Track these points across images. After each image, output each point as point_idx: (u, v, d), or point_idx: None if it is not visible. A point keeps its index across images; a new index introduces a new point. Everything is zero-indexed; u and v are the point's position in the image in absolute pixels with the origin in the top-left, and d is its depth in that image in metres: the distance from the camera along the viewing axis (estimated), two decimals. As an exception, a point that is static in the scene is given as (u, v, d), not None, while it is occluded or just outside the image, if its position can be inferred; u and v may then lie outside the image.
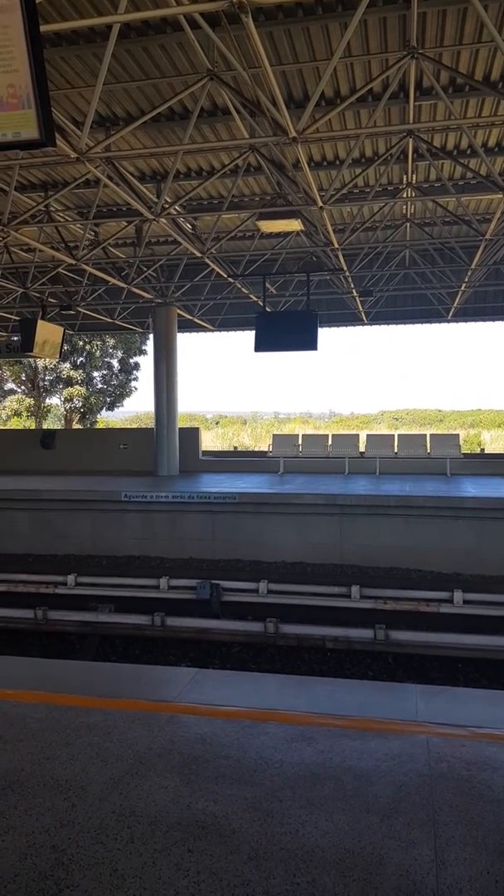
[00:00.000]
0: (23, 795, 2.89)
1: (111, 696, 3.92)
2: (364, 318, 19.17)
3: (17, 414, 33.47)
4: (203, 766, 3.13)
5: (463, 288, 16.72)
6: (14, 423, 33.17)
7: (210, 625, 8.01)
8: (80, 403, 32.60)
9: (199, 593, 8.78)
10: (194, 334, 21.38)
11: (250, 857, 2.48)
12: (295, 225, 11.67)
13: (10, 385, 34.16)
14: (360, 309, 18.30)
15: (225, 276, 15.07)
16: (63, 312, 18.69)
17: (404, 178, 11.90)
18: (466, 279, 16.15)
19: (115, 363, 33.53)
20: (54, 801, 2.85)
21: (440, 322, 19.38)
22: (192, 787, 2.96)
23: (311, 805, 2.82)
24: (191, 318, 19.08)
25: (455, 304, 17.96)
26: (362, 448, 16.87)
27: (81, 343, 31.71)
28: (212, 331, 20.44)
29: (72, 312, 18.59)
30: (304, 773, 3.08)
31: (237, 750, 3.29)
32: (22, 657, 4.77)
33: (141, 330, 21.75)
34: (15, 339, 20.47)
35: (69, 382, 32.25)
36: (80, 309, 18.45)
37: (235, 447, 31.19)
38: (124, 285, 15.61)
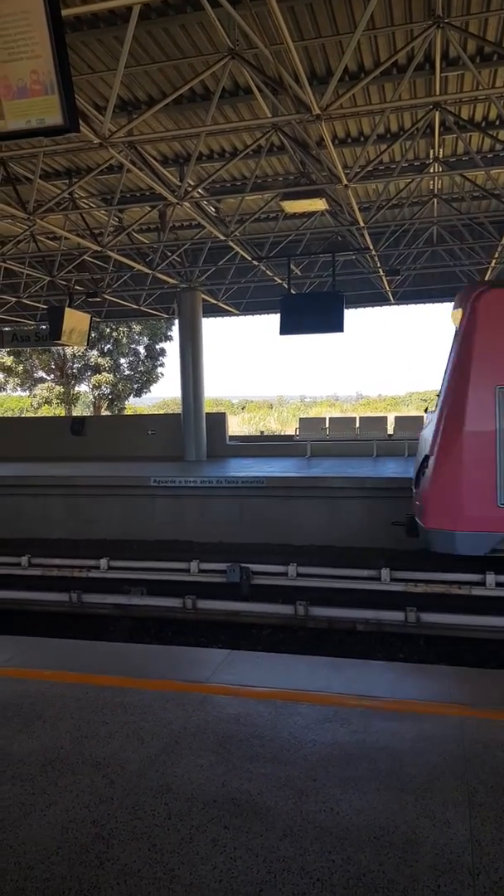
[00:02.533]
0: (62, 772, 2.95)
1: (146, 677, 3.97)
2: (391, 298, 18.95)
3: (48, 402, 33.86)
4: (237, 746, 3.16)
5: (493, 264, 16.41)
6: (45, 411, 33.56)
7: (240, 607, 8.05)
8: (108, 390, 32.84)
9: (229, 576, 8.83)
10: (219, 319, 21.37)
11: (285, 835, 2.51)
12: (319, 204, 11.54)
13: (40, 373, 34.53)
14: (388, 288, 18.08)
15: (249, 258, 14.99)
16: (89, 300, 18.79)
17: (431, 153, 11.68)
18: (496, 255, 15.85)
19: (141, 349, 33.68)
20: (93, 777, 2.90)
21: (470, 300, 19.06)
22: (226, 765, 2.99)
23: (345, 784, 2.83)
24: (215, 302, 19.04)
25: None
26: (390, 430, 16.74)
27: (108, 330, 31.88)
28: (237, 315, 20.38)
29: (98, 300, 18.67)
30: (337, 752, 3.10)
31: (270, 730, 3.32)
32: (58, 639, 4.85)
33: (166, 316, 21.78)
34: (43, 327, 20.67)
35: (97, 370, 32.49)
36: (106, 296, 18.52)
37: (262, 431, 31.19)
38: (149, 271, 15.62)
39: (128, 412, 34.02)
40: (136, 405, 38.25)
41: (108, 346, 32.59)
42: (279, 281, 16.99)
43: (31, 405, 35.25)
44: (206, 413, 17.27)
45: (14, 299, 19.25)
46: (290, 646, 7.76)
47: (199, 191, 11.33)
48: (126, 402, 35.12)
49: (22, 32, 3.75)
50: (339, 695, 3.72)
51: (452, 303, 8.39)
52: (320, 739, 3.21)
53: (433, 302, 19.30)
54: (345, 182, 9.95)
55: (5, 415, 35.34)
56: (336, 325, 13.08)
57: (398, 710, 3.53)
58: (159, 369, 34.04)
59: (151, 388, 34.57)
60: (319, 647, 7.67)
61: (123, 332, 32.33)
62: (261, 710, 3.53)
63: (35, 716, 3.50)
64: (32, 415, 32.74)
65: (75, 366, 33.47)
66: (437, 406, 8.07)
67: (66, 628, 8.08)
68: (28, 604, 8.27)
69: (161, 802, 2.72)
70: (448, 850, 2.41)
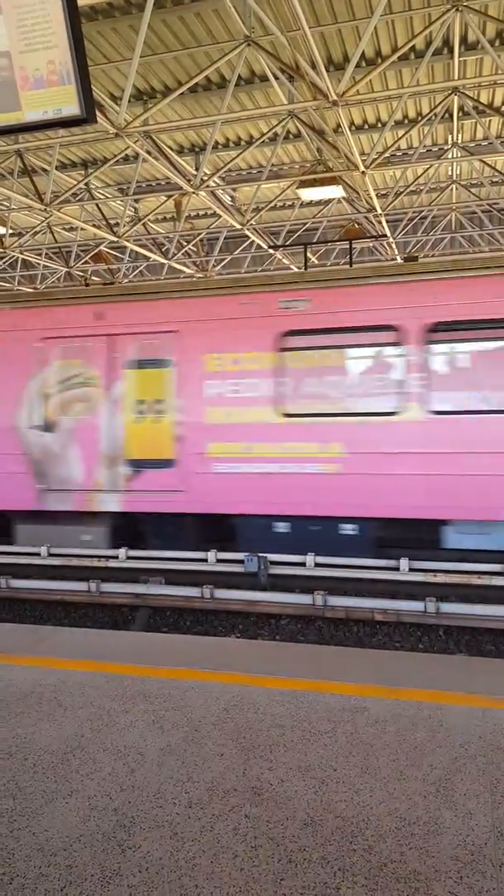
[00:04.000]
0: (84, 760, 2.98)
1: (166, 666, 4.00)
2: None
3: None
4: (257, 735, 3.17)
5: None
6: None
7: (258, 597, 8.06)
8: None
9: (246, 566, 8.85)
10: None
11: (306, 824, 2.51)
12: (336, 192, 11.46)
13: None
14: (405, 277, 17.91)
15: (265, 247, 14.93)
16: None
17: (449, 138, 11.55)
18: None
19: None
20: (114, 766, 2.93)
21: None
22: (246, 754, 3.00)
23: (365, 774, 2.83)
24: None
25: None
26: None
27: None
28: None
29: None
30: (357, 742, 3.09)
31: (290, 719, 3.32)
32: (78, 628, 4.89)
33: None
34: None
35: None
36: (122, 286, 18.52)
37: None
38: (165, 261, 15.61)
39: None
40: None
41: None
42: (295, 269, 16.93)
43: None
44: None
45: (31, 290, 19.34)
46: (307, 636, 7.78)
47: (215, 179, 11.28)
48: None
49: (38, 22, 3.74)
50: (358, 684, 3.71)
51: None
52: (340, 729, 3.21)
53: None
54: (362, 169, 9.86)
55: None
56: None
57: (418, 700, 3.52)
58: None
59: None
60: (337, 638, 7.68)
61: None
62: (281, 700, 3.53)
63: (56, 704, 3.53)
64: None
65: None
66: None
67: (85, 617, 8.15)
68: (47, 593, 8.34)
69: (182, 791, 2.74)
70: (470, 841, 2.40)
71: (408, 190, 13.21)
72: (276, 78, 8.72)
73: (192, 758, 2.98)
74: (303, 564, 8.82)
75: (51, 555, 9.13)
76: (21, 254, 15.82)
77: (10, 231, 14.42)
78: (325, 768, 2.88)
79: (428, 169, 12.71)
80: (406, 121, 10.91)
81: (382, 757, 2.96)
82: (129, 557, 9.07)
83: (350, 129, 9.42)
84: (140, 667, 4.01)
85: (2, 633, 4.76)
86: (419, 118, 10.66)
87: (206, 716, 3.37)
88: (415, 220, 15.32)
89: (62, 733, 3.23)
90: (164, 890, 2.18)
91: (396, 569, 8.47)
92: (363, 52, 8.35)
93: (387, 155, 10.61)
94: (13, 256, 16.65)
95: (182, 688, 3.70)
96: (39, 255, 16.63)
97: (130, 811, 2.61)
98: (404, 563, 8.41)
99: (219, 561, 9.05)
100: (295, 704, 3.48)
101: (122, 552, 9.06)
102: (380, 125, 10.97)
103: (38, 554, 9.10)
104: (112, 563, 8.96)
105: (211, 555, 9.05)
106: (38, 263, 17.03)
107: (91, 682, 3.79)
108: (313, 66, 7.29)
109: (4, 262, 17.47)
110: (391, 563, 8.61)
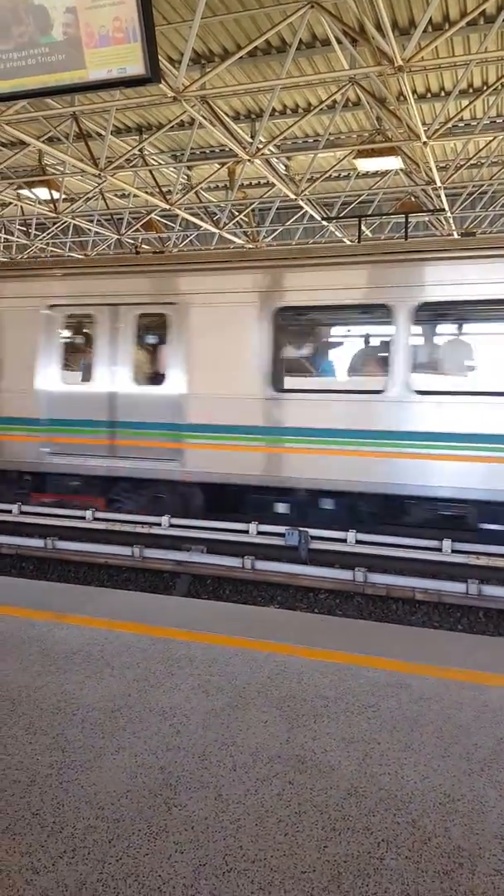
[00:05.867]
0: (130, 719, 3.03)
1: (211, 632, 4.04)
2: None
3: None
4: (301, 704, 3.19)
5: None
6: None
7: (299, 570, 8.08)
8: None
9: (287, 540, 8.86)
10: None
11: (349, 794, 2.52)
12: (394, 163, 11.18)
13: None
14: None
15: (318, 218, 14.69)
16: (155, 259, 18.76)
17: (515, 110, 11.13)
18: None
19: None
20: (160, 726, 2.98)
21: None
22: (290, 723, 3.02)
23: (409, 749, 2.83)
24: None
25: None
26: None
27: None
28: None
29: (164, 259, 18.64)
30: (401, 717, 3.09)
31: (333, 690, 3.33)
32: (123, 591, 4.98)
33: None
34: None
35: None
36: (172, 255, 18.48)
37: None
38: (216, 230, 15.50)
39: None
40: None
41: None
42: (348, 242, 16.65)
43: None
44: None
45: (82, 257, 19.43)
46: (345, 611, 7.78)
47: (271, 148, 11.10)
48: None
49: (105, -21, 3.68)
50: (402, 661, 3.70)
51: None
52: (384, 704, 3.21)
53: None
54: (424, 139, 9.59)
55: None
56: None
57: (462, 679, 3.49)
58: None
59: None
60: (376, 615, 7.67)
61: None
62: (324, 671, 3.54)
63: (104, 663, 3.60)
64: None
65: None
66: None
67: (129, 581, 8.29)
68: (92, 556, 8.51)
69: (227, 754, 2.77)
70: (515, 822, 2.38)
71: (469, 163, 12.80)
72: (339, 42, 8.48)
73: (236, 723, 3.02)
74: (343, 541, 8.80)
75: (96, 519, 9.29)
76: (73, 219, 15.88)
77: (63, 196, 14.45)
78: (369, 741, 2.88)
79: (491, 141, 12.28)
80: (471, 90, 10.54)
81: (426, 734, 2.95)
82: (171, 525, 9.17)
83: (412, 98, 9.13)
84: (184, 631, 4.06)
85: (51, 592, 4.87)
86: (485, 87, 10.28)
87: (251, 683, 3.40)
88: (474, 195, 14.87)
89: (109, 692, 3.29)
90: (210, 849, 2.22)
91: (439, 549, 8.39)
92: (431, 17, 8.05)
93: (449, 126, 10.27)
94: (65, 222, 16.73)
95: (226, 654, 3.73)
96: (91, 221, 16.66)
97: (176, 770, 2.65)
98: (447, 545, 8.32)
99: (259, 533, 9.08)
100: (338, 677, 3.49)
101: (164, 519, 9.17)
102: (443, 94, 10.61)
103: (83, 517, 9.25)
104: (155, 530, 9.07)
105: (252, 527, 9.09)
106: (90, 230, 17.08)
107: (137, 644, 3.85)
108: (379, 28, 7.06)
109: (57, 228, 17.56)
110: (433, 543, 8.53)
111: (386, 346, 8.07)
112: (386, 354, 8.01)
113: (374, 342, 8.94)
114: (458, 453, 7.69)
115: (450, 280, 7.41)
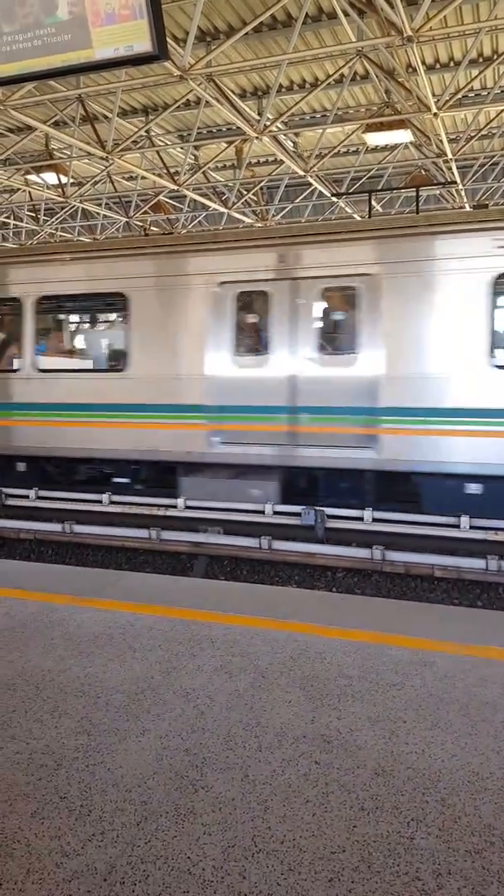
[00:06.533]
0: (154, 701, 3.04)
1: (231, 613, 4.04)
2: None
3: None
4: (324, 684, 3.18)
5: None
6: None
7: (315, 549, 8.07)
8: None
9: (303, 519, 8.85)
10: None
11: (377, 773, 2.52)
12: (404, 136, 10.99)
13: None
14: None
15: (328, 194, 14.51)
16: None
17: (528, 77, 10.88)
18: None
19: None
20: (184, 708, 2.98)
21: None
22: (314, 702, 3.02)
23: (436, 727, 2.82)
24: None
25: None
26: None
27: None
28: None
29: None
30: (426, 695, 3.07)
31: (357, 669, 3.32)
32: (141, 573, 4.99)
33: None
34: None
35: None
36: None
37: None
38: (224, 210, 15.36)
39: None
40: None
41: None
42: (358, 219, 16.45)
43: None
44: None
45: (91, 239, 19.37)
46: (363, 589, 7.77)
47: (278, 124, 10.94)
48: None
49: (109, -48, 3.60)
50: (424, 639, 3.68)
51: None
52: (408, 682, 3.19)
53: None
54: (434, 110, 9.40)
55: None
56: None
57: (485, 657, 3.46)
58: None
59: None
60: (395, 592, 7.65)
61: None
62: (347, 650, 3.53)
63: (126, 646, 3.61)
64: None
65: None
66: None
67: (146, 563, 8.32)
68: (109, 539, 8.54)
69: (251, 735, 2.77)
70: (545, 798, 2.37)
71: (480, 134, 12.56)
72: (346, 14, 8.30)
73: (259, 703, 3.02)
74: (360, 519, 8.77)
75: (112, 502, 9.31)
76: (81, 203, 15.79)
77: (71, 180, 14.36)
78: (395, 720, 2.87)
79: (502, 111, 12.04)
80: (481, 59, 10.31)
81: (453, 711, 2.93)
82: (187, 507, 9.18)
83: (422, 69, 8.94)
84: (205, 612, 4.06)
85: (71, 576, 4.89)
86: (495, 56, 10.06)
87: (273, 663, 3.39)
88: (486, 167, 14.61)
89: (132, 674, 3.30)
90: (238, 831, 2.22)
91: (457, 526, 8.34)
92: (440, -17, 7.86)
93: (459, 96, 10.07)
94: (73, 206, 16.63)
95: (247, 634, 3.73)
96: (99, 204, 16.56)
97: (202, 752, 2.66)
98: (465, 521, 8.27)
99: (275, 513, 9.07)
100: (361, 656, 3.48)
101: (180, 501, 9.17)
102: (452, 64, 10.39)
103: (99, 501, 9.28)
104: (171, 512, 9.08)
105: (268, 507, 9.07)
106: (98, 213, 16.98)
107: (158, 626, 3.86)
108: (387, -2, 6.90)
109: (65, 212, 17.47)
110: (451, 520, 8.48)
111: None
112: None
113: None
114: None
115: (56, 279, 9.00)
